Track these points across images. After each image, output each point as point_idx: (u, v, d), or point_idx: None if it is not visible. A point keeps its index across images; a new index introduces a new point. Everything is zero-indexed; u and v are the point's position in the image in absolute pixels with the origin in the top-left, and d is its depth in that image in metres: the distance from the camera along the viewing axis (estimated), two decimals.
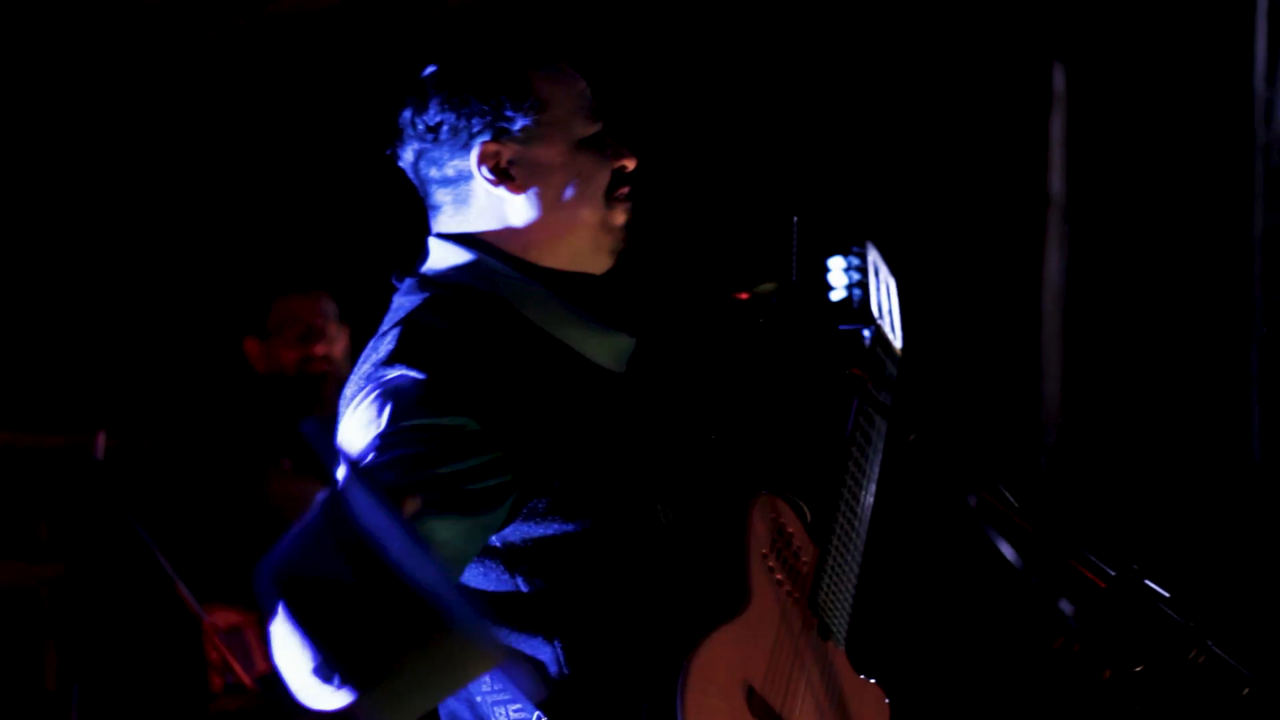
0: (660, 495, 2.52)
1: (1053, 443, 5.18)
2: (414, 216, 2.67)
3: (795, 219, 2.57)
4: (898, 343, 2.96)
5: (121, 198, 5.71)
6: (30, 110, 5.52)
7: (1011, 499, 2.42)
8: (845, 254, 2.91)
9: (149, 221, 5.72)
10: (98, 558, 4.71)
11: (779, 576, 2.59)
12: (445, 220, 2.62)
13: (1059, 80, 5.19)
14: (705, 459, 2.69)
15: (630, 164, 2.62)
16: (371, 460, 2.32)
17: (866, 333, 2.92)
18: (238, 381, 4.84)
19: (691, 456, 2.66)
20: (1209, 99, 5.08)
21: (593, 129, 2.61)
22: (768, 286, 2.57)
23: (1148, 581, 2.30)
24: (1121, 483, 5.03)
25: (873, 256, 2.94)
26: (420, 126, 2.58)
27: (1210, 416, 5.04)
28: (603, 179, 2.60)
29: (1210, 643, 2.26)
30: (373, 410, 2.41)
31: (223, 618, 4.31)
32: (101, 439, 4.37)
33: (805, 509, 2.70)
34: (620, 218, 2.61)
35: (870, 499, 2.79)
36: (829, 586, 2.65)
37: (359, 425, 2.42)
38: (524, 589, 2.44)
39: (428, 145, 2.58)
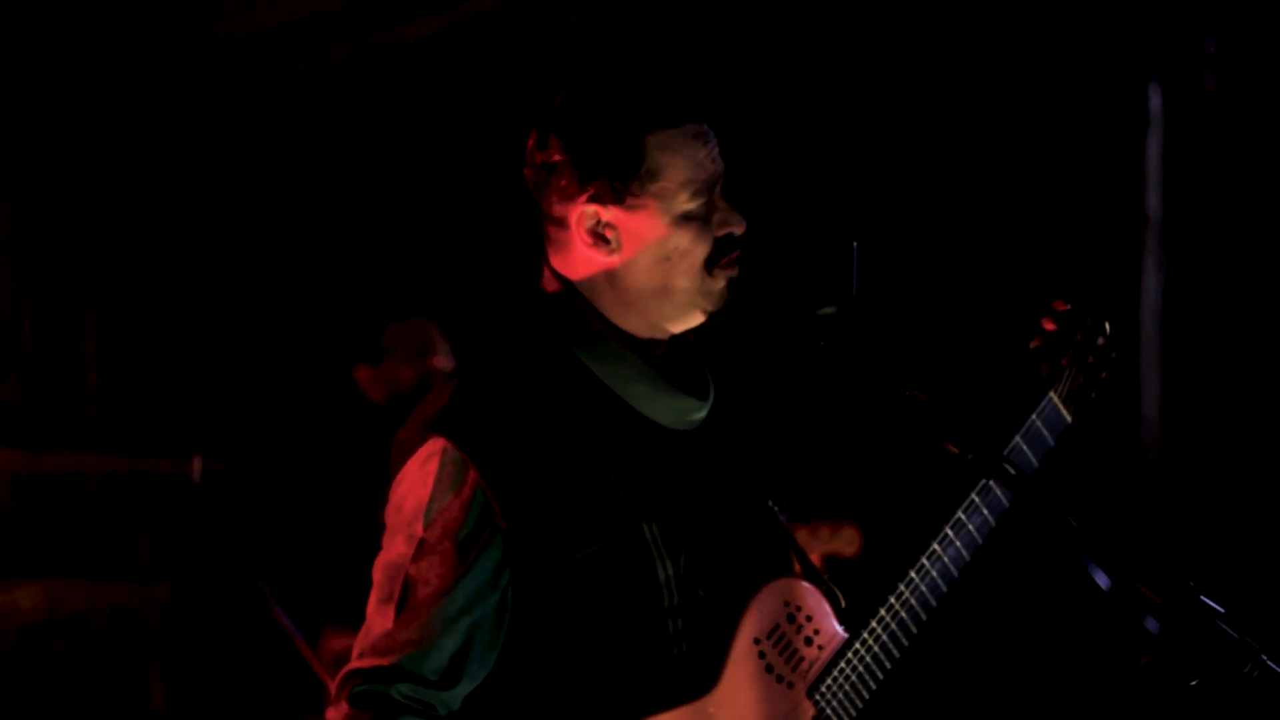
0: (673, 575, 2.51)
1: (1153, 462, 5.16)
2: (508, 246, 2.71)
3: (855, 244, 2.58)
4: (1068, 415, 2.89)
5: (232, 228, 5.83)
6: (140, 143, 5.65)
7: (1071, 519, 2.43)
8: (1071, 312, 2.90)
9: (253, 255, 5.84)
10: (201, 580, 4.78)
11: (770, 662, 2.54)
12: (551, 253, 2.64)
13: (1155, 100, 5.18)
14: (758, 529, 2.69)
15: (739, 230, 2.59)
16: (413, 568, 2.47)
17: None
18: (351, 409, 4.86)
19: (743, 526, 2.66)
20: None
21: (700, 201, 2.56)
22: (829, 310, 2.57)
23: (1203, 598, 2.31)
24: (1221, 502, 5.00)
25: (1098, 331, 2.91)
26: (539, 159, 2.59)
27: None
28: (700, 251, 2.56)
29: (1265, 657, 2.27)
30: (422, 485, 2.49)
31: (339, 642, 4.38)
32: (198, 463, 4.44)
33: (839, 595, 2.64)
34: (721, 283, 2.58)
35: (953, 573, 2.69)
36: (842, 674, 2.59)
37: (408, 491, 2.52)
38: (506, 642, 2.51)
39: (541, 180, 2.59)
